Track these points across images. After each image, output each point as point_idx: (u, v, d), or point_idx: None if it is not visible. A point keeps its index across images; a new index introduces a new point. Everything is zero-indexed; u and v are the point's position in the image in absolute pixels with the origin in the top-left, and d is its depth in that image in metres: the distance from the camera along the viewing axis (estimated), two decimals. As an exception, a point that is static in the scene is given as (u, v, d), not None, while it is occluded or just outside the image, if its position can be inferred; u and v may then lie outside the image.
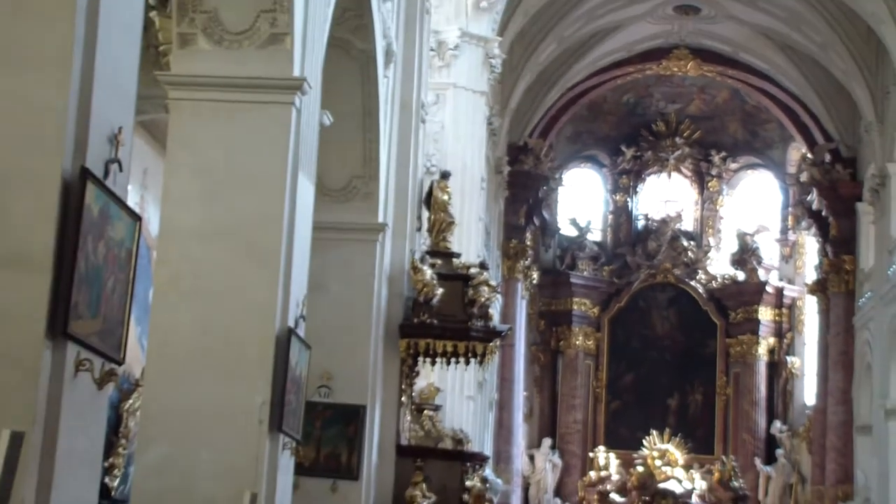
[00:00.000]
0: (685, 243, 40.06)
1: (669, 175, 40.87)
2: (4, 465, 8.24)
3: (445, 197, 22.01)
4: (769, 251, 40.16)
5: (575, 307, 39.54)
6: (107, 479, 17.33)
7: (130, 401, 19.94)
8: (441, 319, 20.37)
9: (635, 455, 38.22)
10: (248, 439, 14.11)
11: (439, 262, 21.13)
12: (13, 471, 8.27)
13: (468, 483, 20.28)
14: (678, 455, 38.12)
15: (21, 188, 8.93)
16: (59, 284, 8.88)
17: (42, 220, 8.86)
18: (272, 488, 14.50)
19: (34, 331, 8.79)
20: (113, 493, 18.67)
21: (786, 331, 39.26)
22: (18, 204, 8.92)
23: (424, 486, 19.70)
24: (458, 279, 20.88)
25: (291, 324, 14.78)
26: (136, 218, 10.12)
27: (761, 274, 39.46)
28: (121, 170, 9.76)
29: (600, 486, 38.16)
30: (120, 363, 9.93)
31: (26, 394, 8.71)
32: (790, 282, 39.51)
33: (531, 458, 38.24)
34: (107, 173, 9.50)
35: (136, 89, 10.22)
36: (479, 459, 21.83)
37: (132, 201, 10.17)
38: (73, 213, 9.00)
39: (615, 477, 38.15)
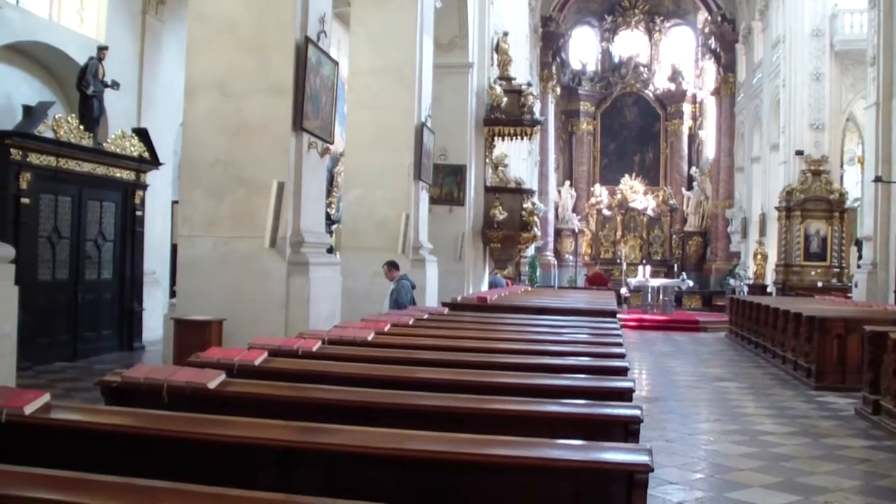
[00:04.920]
0: (642, 69, 39.22)
1: (632, 31, 39.82)
2: (275, 200, 8.47)
3: (506, 46, 21.78)
4: (688, 72, 39.26)
5: (581, 107, 38.97)
6: (328, 209, 17.63)
7: (338, 166, 20.17)
8: (506, 115, 20.31)
9: (616, 188, 38.04)
10: (403, 184, 14.32)
11: (504, 83, 20.97)
12: (280, 202, 8.48)
13: (525, 205, 20.40)
14: (639, 187, 37.91)
15: (276, 50, 9.07)
16: (297, 101, 9.00)
17: (287, 66, 8.99)
18: (417, 212, 14.72)
19: (286, 127, 8.95)
20: (331, 216, 19.01)
21: (698, 117, 38.57)
22: (275, 59, 9.06)
23: (500, 207, 19.87)
24: (515, 93, 20.70)
25: (423, 120, 14.83)
26: (335, 63, 10.19)
27: (684, 85, 38.71)
28: (326, 37, 9.78)
29: (597, 206, 38.13)
30: (331, 143, 10.08)
31: (284, 161, 8.89)
32: (700, 90, 38.66)
33: (559, 191, 38.18)
34: (318, 39, 9.51)
35: (332, -9, 10.23)
36: (530, 192, 21.87)
37: (333, 54, 10.17)
38: (302, 62, 9.09)
39: (605, 201, 38.03)
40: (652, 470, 3.53)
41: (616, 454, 3.70)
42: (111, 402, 4.73)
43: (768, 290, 27.65)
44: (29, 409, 3.88)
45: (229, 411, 4.25)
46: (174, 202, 16.68)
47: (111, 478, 3.10)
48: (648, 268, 33.63)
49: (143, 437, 3.89)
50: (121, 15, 16.40)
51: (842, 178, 28.20)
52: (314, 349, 6.42)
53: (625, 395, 5.30)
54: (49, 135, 13.04)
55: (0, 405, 3.84)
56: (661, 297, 28.95)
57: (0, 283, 4.89)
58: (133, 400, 4.63)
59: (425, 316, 10.01)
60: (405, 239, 14.14)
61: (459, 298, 14.61)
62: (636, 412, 4.49)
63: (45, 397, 4.00)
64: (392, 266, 12.65)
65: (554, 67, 37.70)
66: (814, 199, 25.96)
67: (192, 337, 8.17)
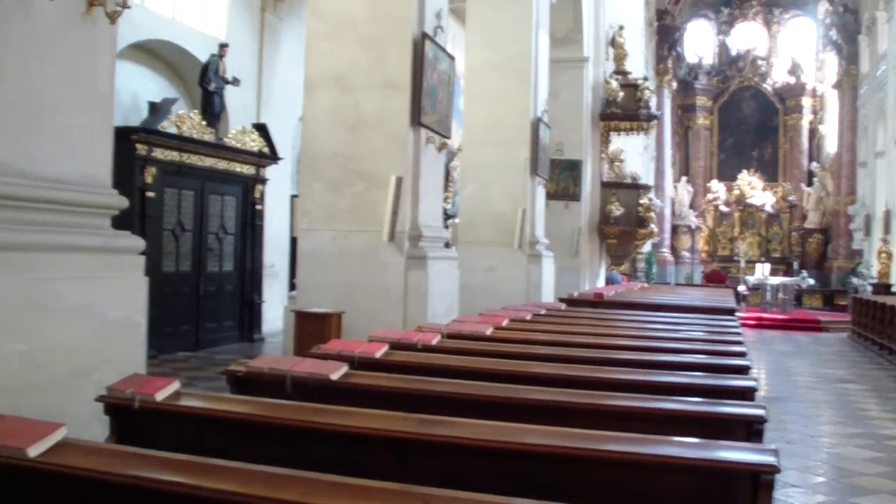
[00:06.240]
0: (760, 62, 38.37)
1: (749, 23, 38.96)
2: (394, 193, 8.54)
3: (621, 40, 21.63)
4: (807, 65, 38.21)
5: (697, 101, 38.37)
6: (444, 204, 17.70)
7: (454, 161, 20.25)
8: (622, 110, 20.17)
9: (734, 184, 37.34)
10: (519, 179, 14.29)
11: (620, 77, 20.84)
12: (398, 196, 8.56)
13: (641, 201, 20.25)
14: (758, 182, 37.14)
15: (393, 46, 9.16)
16: (415, 96, 9.06)
17: (404, 62, 9.07)
18: (533, 206, 14.70)
19: (403, 122, 9.03)
20: (448, 210, 19.08)
21: (818, 110, 37.53)
22: (392, 54, 9.14)
23: (616, 202, 19.75)
24: (631, 87, 20.57)
25: (539, 115, 14.78)
26: (452, 58, 10.22)
27: (803, 78, 37.72)
28: (443, 32, 9.82)
29: (714, 202, 37.51)
30: (448, 138, 10.13)
31: (402, 156, 8.98)
32: (821, 83, 37.58)
33: (675, 187, 37.62)
34: (435, 34, 9.56)
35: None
36: (646, 188, 21.68)
37: (449, 49, 10.20)
38: (419, 57, 9.15)
39: (722, 197, 37.38)
40: (779, 471, 3.44)
41: (740, 454, 3.62)
42: (236, 391, 4.85)
43: (893, 289, 26.80)
44: (160, 396, 4.00)
45: (350, 402, 4.31)
46: (293, 196, 16.98)
47: (238, 464, 3.17)
48: (767, 265, 32.91)
49: (267, 425, 3.97)
50: (241, 12, 16.76)
51: (973, 173, 27.15)
52: (433, 343, 6.47)
53: (746, 394, 5.20)
54: (173, 130, 13.41)
55: (133, 391, 3.96)
56: (780, 295, 28.37)
57: (131, 274, 5.03)
58: (257, 389, 4.73)
59: (542, 311, 10.00)
60: (521, 234, 14.13)
61: (576, 294, 14.55)
62: (760, 411, 4.39)
63: (175, 385, 4.12)
64: None
65: (670, 61, 37.16)
66: (943, 196, 25.10)
67: (311, 329, 8.31)
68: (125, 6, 4.99)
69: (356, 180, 9.19)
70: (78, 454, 3.18)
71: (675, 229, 37.42)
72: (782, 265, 35.69)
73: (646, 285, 23.56)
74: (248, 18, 17.01)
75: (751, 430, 4.37)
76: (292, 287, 10.39)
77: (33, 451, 3.09)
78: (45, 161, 4.53)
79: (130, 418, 4.02)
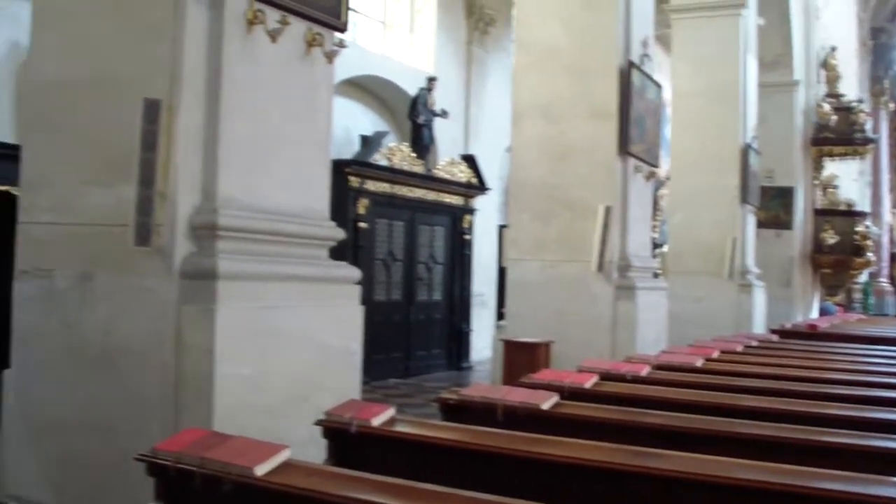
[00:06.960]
0: None
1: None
2: (602, 223, 8.49)
3: (833, 61, 20.97)
4: None
5: (917, 123, 36.67)
6: (652, 233, 17.46)
7: (661, 190, 19.96)
8: (835, 134, 19.54)
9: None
10: (728, 207, 13.99)
11: (833, 100, 20.16)
12: (607, 226, 8.50)
13: (857, 229, 19.51)
14: None
15: (599, 75, 9.23)
16: (622, 125, 9.03)
17: (611, 91, 9.08)
18: (743, 235, 14.38)
19: (610, 151, 9.08)
20: (655, 239, 18.78)
21: None
22: (598, 83, 9.17)
23: (831, 231, 19.06)
24: (845, 110, 19.89)
25: (748, 141, 14.47)
26: (659, 86, 10.15)
27: None
28: (650, 60, 9.75)
29: (936, 226, 35.63)
30: (657, 167, 10.04)
31: (610, 186, 8.95)
32: None
33: (893, 214, 35.85)
34: (642, 63, 9.50)
35: (653, 17, 10.20)
36: (863, 215, 20.85)
37: (655, 77, 10.09)
38: (625, 86, 9.13)
39: (945, 221, 35.51)
40: None
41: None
42: (447, 418, 4.90)
43: None
44: (376, 422, 4.08)
45: (560, 432, 4.28)
46: (501, 226, 17.12)
47: (452, 490, 3.19)
48: None
49: (479, 452, 3.99)
50: (448, 47, 17.11)
51: None
52: (642, 374, 6.37)
53: (978, 435, 4.85)
54: (384, 163, 13.78)
55: (351, 416, 4.07)
56: None
57: (347, 303, 5.18)
58: (467, 417, 4.76)
59: (754, 343, 9.70)
60: (731, 263, 13.78)
61: (789, 325, 14.04)
62: None
63: (391, 411, 4.20)
64: None
65: (886, 82, 35.46)
66: None
67: (520, 358, 8.34)
68: (342, 46, 5.18)
69: (563, 210, 9.20)
70: (300, 475, 3.28)
71: (893, 258, 35.52)
72: None
73: (863, 317, 22.47)
74: (455, 52, 17.35)
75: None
76: (501, 316, 10.48)
77: (260, 471, 3.21)
78: (271, 195, 4.73)
79: (347, 442, 4.12)
